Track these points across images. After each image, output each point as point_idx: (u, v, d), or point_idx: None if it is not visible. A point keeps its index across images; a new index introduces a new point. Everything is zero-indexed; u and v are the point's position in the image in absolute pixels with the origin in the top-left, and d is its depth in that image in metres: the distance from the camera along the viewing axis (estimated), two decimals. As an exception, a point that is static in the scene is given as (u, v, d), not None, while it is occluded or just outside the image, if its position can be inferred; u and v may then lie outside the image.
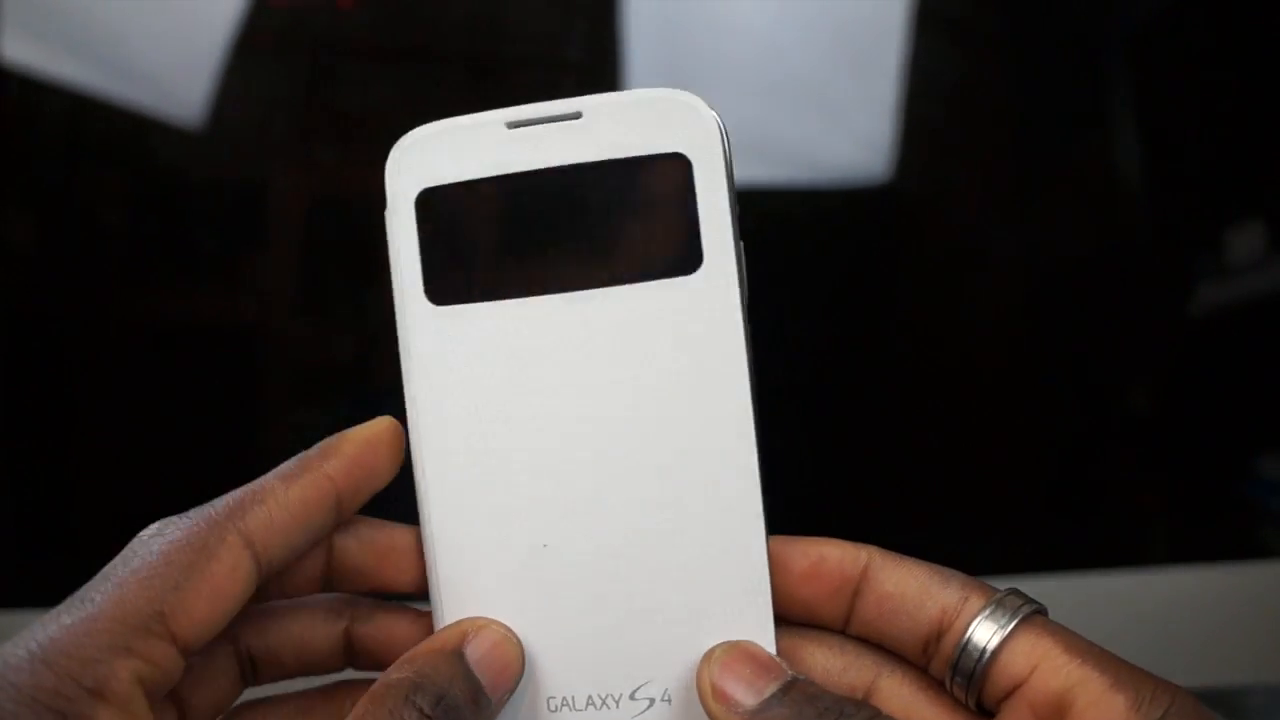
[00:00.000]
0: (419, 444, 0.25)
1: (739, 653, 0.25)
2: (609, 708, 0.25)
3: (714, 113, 0.24)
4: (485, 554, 0.25)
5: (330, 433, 0.26)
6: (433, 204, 0.25)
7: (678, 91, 0.24)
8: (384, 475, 0.25)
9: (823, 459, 0.50)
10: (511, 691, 0.24)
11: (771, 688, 0.24)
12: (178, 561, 0.22)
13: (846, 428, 0.53)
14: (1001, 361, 0.56)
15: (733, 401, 0.24)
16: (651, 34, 0.53)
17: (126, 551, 0.23)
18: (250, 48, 0.51)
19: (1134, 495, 0.55)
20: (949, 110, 0.55)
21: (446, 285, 0.25)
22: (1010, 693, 0.24)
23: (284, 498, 0.24)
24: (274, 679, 0.27)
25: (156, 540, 0.23)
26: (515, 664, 0.24)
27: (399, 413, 0.25)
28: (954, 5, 0.55)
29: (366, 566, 0.26)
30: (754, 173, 0.53)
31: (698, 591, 0.25)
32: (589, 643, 0.25)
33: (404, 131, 0.26)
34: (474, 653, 0.24)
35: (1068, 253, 0.56)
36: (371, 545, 0.26)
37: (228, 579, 0.23)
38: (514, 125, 0.25)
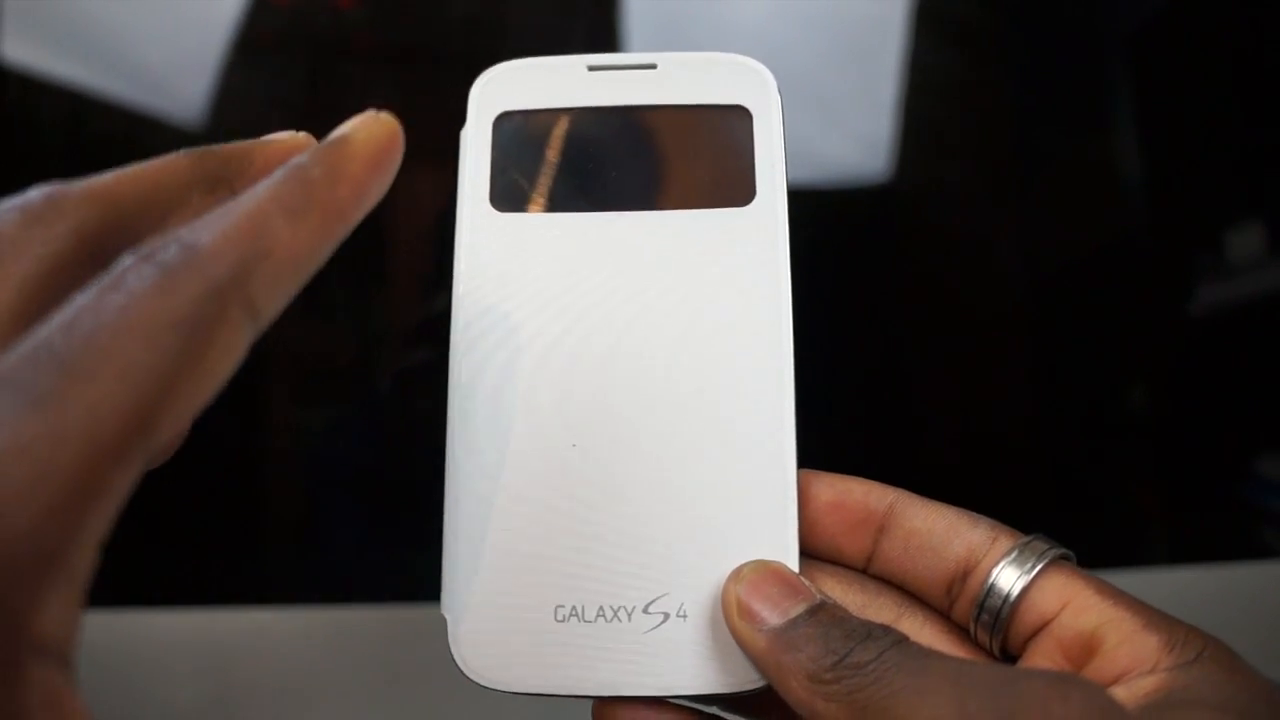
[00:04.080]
0: (459, 337, 0.25)
1: (768, 572, 0.24)
2: (619, 620, 0.24)
3: (772, 77, 0.27)
4: (510, 447, 0.25)
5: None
6: (510, 125, 0.26)
7: (743, 57, 0.27)
8: (385, 190, 0.21)
9: (822, 459, 0.50)
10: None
11: (799, 608, 0.23)
12: (167, 346, 0.16)
13: (846, 428, 0.53)
14: (1001, 362, 0.56)
15: (775, 326, 0.26)
16: (651, 34, 0.53)
17: (86, 300, 0.16)
18: (250, 47, 0.51)
19: (1134, 495, 0.55)
20: (949, 110, 0.55)
21: (512, 196, 0.26)
22: (1037, 631, 0.23)
23: (293, 248, 0.18)
24: None
25: (119, 296, 0.16)
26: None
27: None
28: (954, 4, 0.55)
29: None
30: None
31: (724, 510, 0.25)
32: (605, 551, 0.24)
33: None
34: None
35: (1068, 253, 0.56)
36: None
37: (225, 368, 0.17)
38: (594, 69, 0.27)
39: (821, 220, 0.55)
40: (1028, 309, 0.56)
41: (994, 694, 0.19)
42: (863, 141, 0.54)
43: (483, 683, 0.24)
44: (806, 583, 0.24)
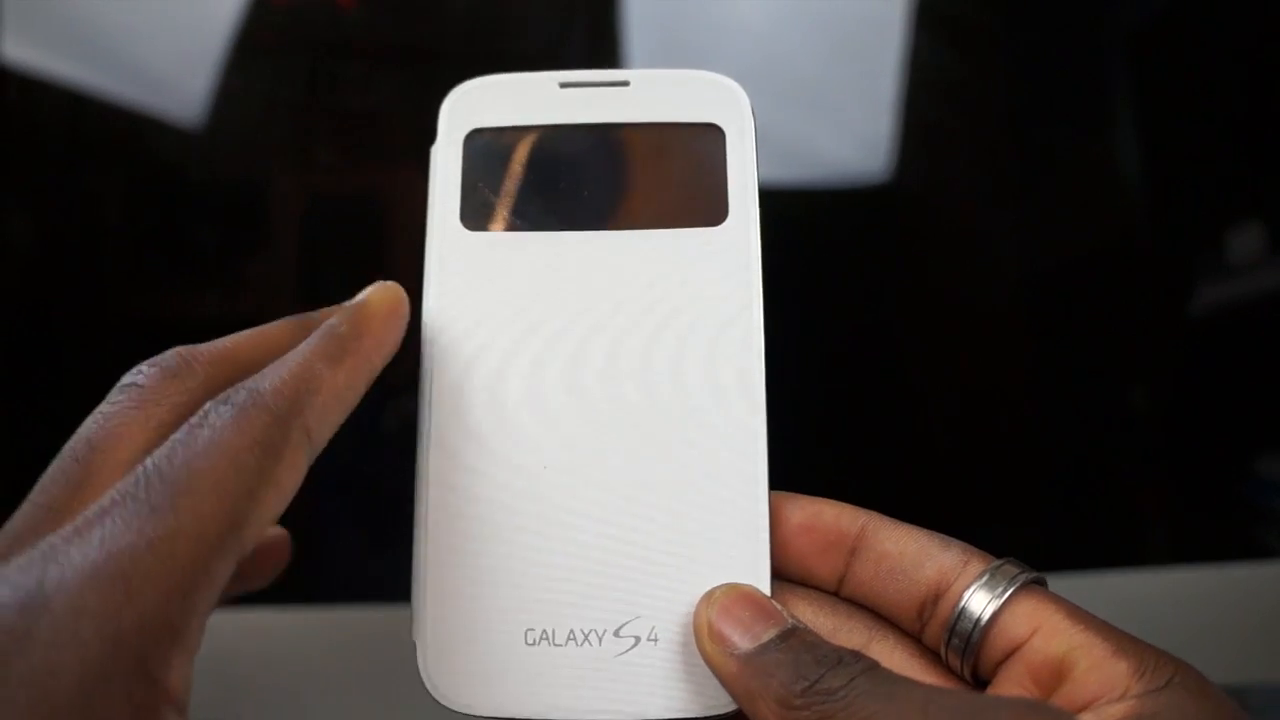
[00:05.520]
0: (429, 357, 0.25)
1: (740, 595, 0.24)
2: (590, 644, 0.24)
3: (745, 94, 0.27)
4: (481, 468, 0.24)
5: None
6: (481, 142, 0.26)
7: (716, 74, 0.27)
8: (397, 346, 0.25)
9: (820, 459, 0.50)
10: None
11: (770, 633, 0.23)
12: (247, 465, 0.20)
13: (845, 428, 0.53)
14: (1001, 362, 0.56)
15: (746, 346, 0.25)
16: (652, 34, 0.53)
17: (181, 435, 0.20)
18: (250, 47, 0.51)
19: (1134, 495, 0.55)
20: (949, 109, 0.55)
21: (483, 214, 0.26)
22: (1008, 655, 0.24)
23: (335, 385, 0.23)
24: None
25: (206, 430, 0.20)
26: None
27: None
28: (954, 4, 0.55)
29: None
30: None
31: (696, 533, 0.25)
32: (575, 575, 0.24)
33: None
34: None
35: (1067, 253, 0.56)
36: None
37: (293, 482, 0.21)
38: (566, 85, 0.27)
39: (821, 220, 0.55)
40: (1027, 309, 0.56)
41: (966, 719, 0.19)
42: (863, 141, 0.54)
43: (452, 706, 0.23)
44: (778, 606, 0.24)
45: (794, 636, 0.23)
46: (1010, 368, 0.55)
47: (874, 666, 0.22)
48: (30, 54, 0.50)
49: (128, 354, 0.54)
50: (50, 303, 0.52)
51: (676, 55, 0.54)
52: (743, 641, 0.23)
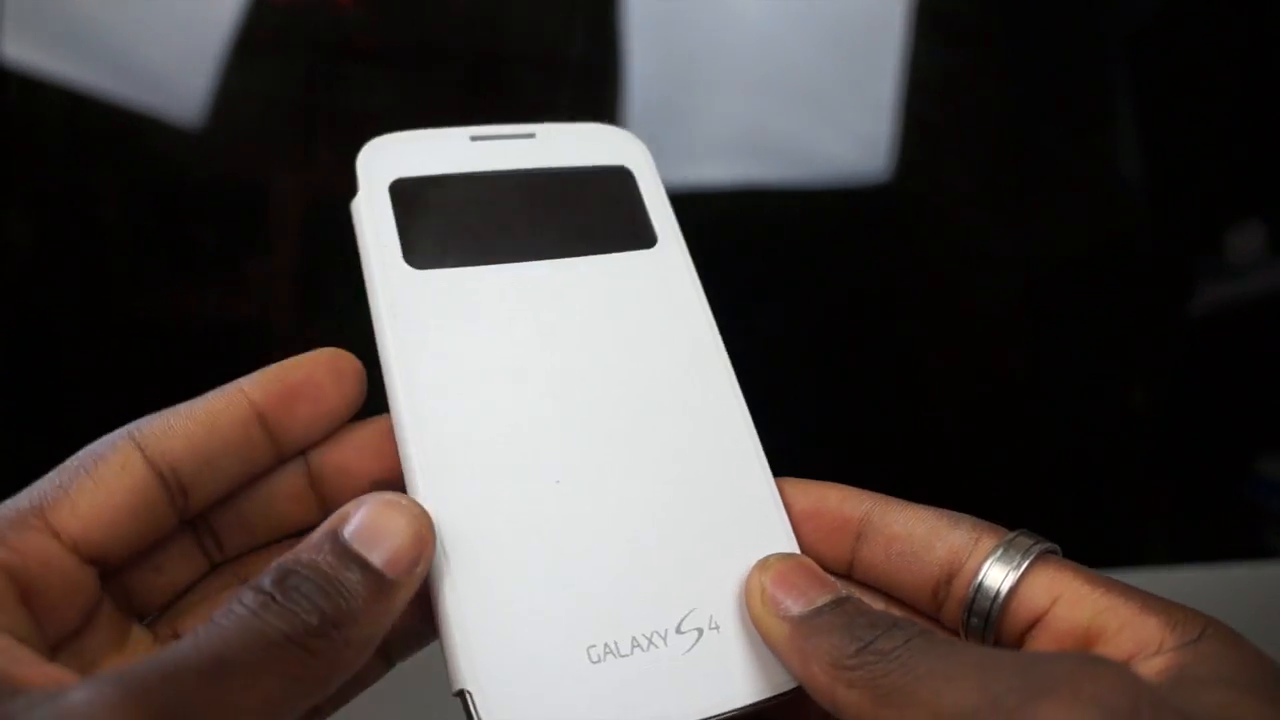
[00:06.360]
0: (402, 399, 0.24)
1: (795, 562, 0.24)
2: (657, 646, 0.23)
3: (642, 143, 0.29)
4: (487, 498, 0.23)
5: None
6: (407, 189, 0.26)
7: (614, 127, 0.29)
8: (327, 401, 0.24)
9: (819, 459, 0.50)
10: (420, 560, 0.21)
11: (824, 598, 0.23)
12: (67, 467, 0.22)
13: (843, 429, 0.53)
14: (1001, 363, 0.56)
15: (705, 344, 0.26)
16: (651, 34, 0.53)
17: None
18: (250, 47, 0.51)
19: (1134, 495, 0.55)
20: (949, 110, 0.55)
21: (426, 253, 0.26)
22: (1030, 628, 0.23)
23: (186, 407, 0.24)
24: (246, 548, 0.26)
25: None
26: (403, 529, 0.21)
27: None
28: (954, 4, 0.55)
29: (347, 462, 0.25)
30: (754, 172, 0.53)
31: (722, 522, 0.24)
32: (618, 584, 0.23)
33: (407, 128, 0.27)
34: (350, 525, 0.21)
35: (1068, 253, 0.56)
36: (350, 439, 0.25)
37: (115, 475, 0.22)
38: (476, 139, 0.28)
39: (821, 220, 0.55)
40: (1028, 309, 0.56)
41: (1022, 677, 0.19)
42: (863, 141, 0.54)
43: None
44: (831, 577, 0.24)
45: (848, 603, 0.22)
46: (1010, 368, 0.55)
47: (929, 631, 0.21)
48: (30, 54, 0.50)
49: (128, 354, 0.54)
50: (50, 303, 0.52)
51: (676, 56, 0.54)
52: (796, 605, 0.23)
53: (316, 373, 0.25)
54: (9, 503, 0.22)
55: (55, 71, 0.50)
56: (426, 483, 0.23)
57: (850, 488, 0.26)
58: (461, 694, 0.22)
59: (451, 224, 0.26)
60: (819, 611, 0.22)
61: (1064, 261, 0.55)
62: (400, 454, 0.24)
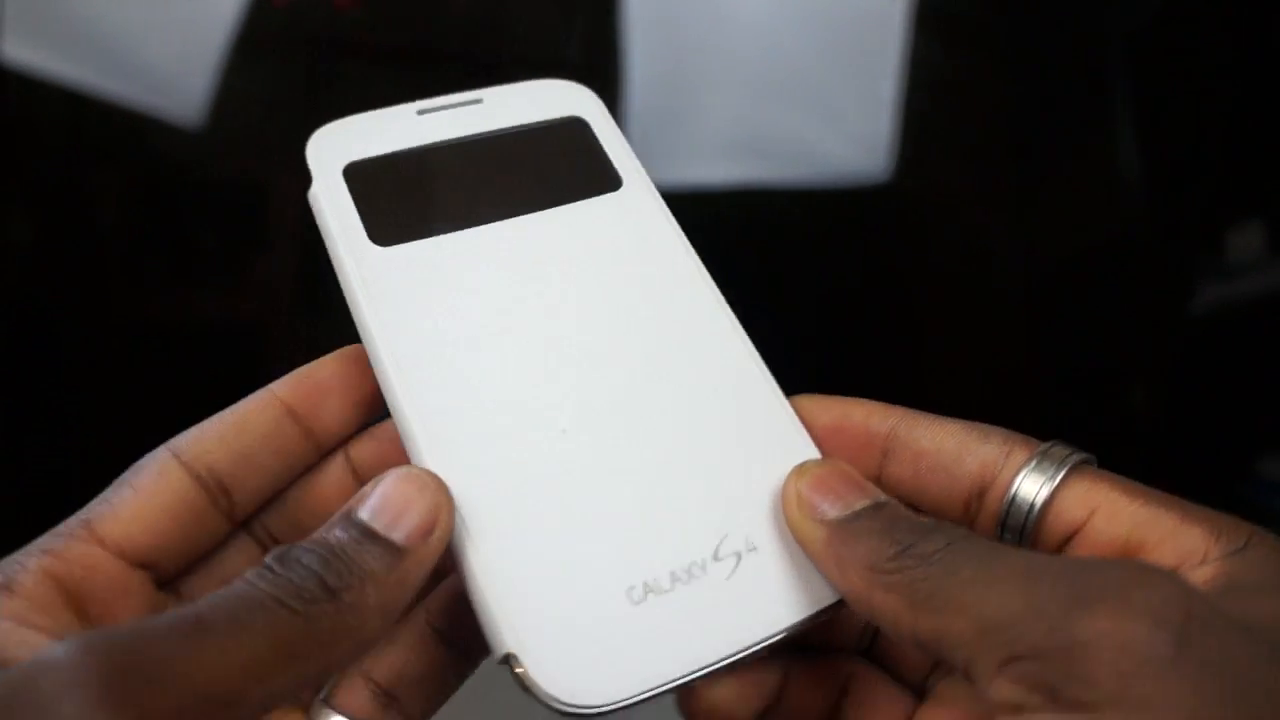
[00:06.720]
0: (392, 381, 0.24)
1: (832, 467, 0.23)
2: (696, 577, 0.22)
3: (592, 92, 0.29)
4: (496, 456, 0.23)
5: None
6: (362, 170, 0.26)
7: (562, 80, 0.29)
8: (356, 390, 0.25)
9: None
10: (435, 526, 0.21)
11: (862, 502, 0.22)
12: (112, 486, 0.23)
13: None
14: (1001, 362, 0.56)
15: (687, 273, 0.26)
16: (651, 34, 0.53)
17: None
18: (250, 47, 0.51)
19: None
20: (949, 109, 0.55)
21: (392, 229, 0.25)
22: (1066, 542, 0.22)
23: (218, 415, 0.24)
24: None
25: None
26: (414, 496, 0.21)
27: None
28: (954, 3, 0.55)
29: (386, 455, 0.25)
30: (754, 172, 0.53)
31: (742, 442, 0.24)
32: (645, 520, 0.23)
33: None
34: (365, 501, 0.21)
35: (1068, 253, 0.56)
36: (387, 431, 0.25)
37: (153, 481, 0.23)
38: (423, 112, 0.27)
39: (822, 220, 0.55)
40: (1028, 309, 0.56)
41: (1067, 585, 0.18)
42: (862, 141, 0.54)
43: (593, 707, 0.21)
44: (869, 482, 0.23)
45: (887, 507, 0.22)
46: (1010, 367, 0.55)
47: (971, 535, 0.20)
48: (30, 54, 0.50)
49: (128, 354, 0.54)
50: (50, 301, 0.52)
51: (676, 56, 0.54)
52: (833, 509, 0.22)
53: (343, 365, 0.25)
54: (60, 525, 0.22)
55: (55, 71, 0.50)
56: (432, 454, 0.23)
57: (874, 402, 0.25)
58: (507, 659, 0.21)
59: (412, 198, 0.26)
60: (857, 516, 0.22)
61: (1064, 261, 0.55)
62: (401, 432, 0.23)
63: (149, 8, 0.51)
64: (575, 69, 0.53)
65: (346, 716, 0.24)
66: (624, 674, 0.21)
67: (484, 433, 0.23)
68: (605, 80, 0.53)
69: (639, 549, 0.22)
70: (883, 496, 0.22)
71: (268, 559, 0.20)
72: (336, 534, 0.20)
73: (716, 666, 0.21)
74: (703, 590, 0.22)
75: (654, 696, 0.21)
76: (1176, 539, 0.21)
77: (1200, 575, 0.20)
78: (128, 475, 0.23)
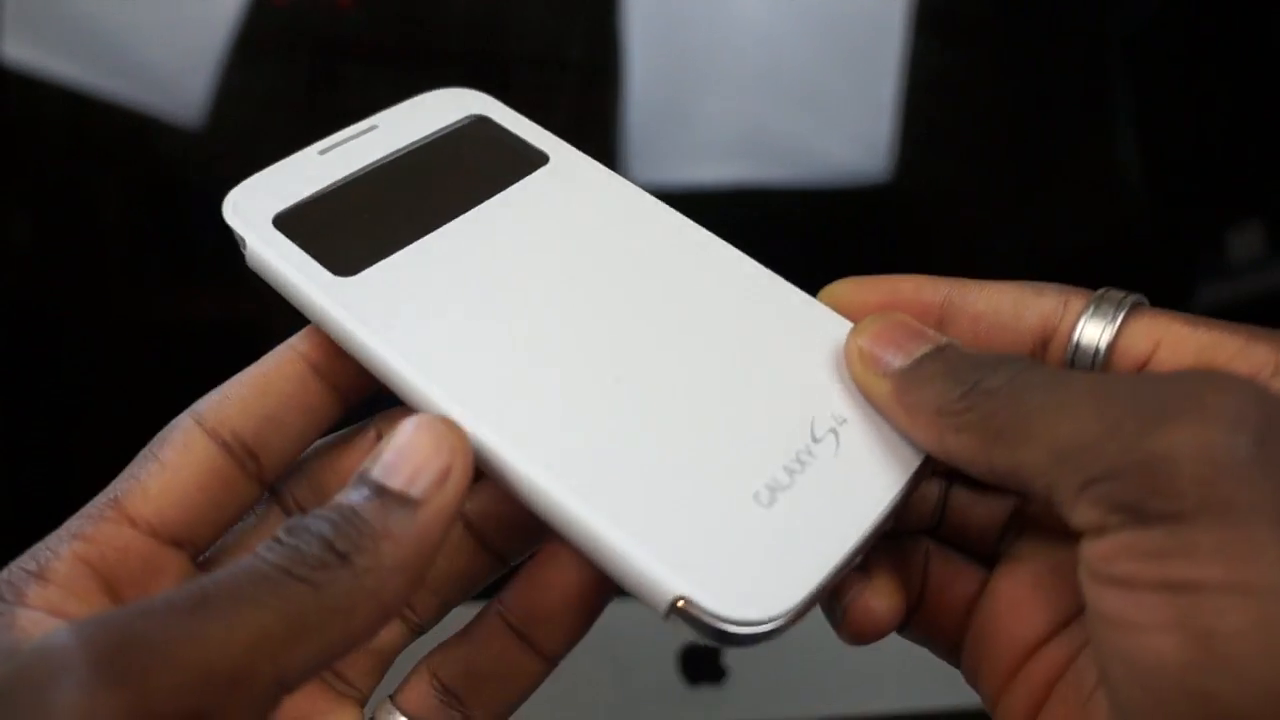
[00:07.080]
0: (422, 383, 0.23)
1: (889, 319, 0.23)
2: (807, 462, 0.22)
3: (481, 92, 0.30)
4: (564, 427, 0.22)
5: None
6: (292, 217, 0.26)
7: (450, 88, 0.29)
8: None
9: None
10: (450, 474, 0.20)
11: (924, 349, 0.22)
12: (136, 459, 0.22)
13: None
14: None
15: (657, 211, 0.27)
16: (651, 34, 0.53)
17: None
18: (250, 47, 0.51)
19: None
20: (949, 110, 0.55)
21: (348, 260, 0.25)
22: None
23: (238, 376, 0.23)
24: None
25: None
26: (424, 444, 0.20)
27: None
28: (954, 3, 0.55)
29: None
30: (754, 172, 0.53)
31: (788, 343, 0.24)
32: (736, 432, 0.23)
33: None
34: (377, 459, 0.20)
35: (1068, 253, 0.56)
36: None
37: (179, 453, 0.22)
38: (325, 151, 0.27)
39: (821, 220, 0.55)
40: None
41: (1139, 399, 0.18)
42: (862, 141, 0.54)
43: (778, 620, 0.20)
44: (928, 329, 0.23)
45: (949, 349, 0.22)
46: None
47: (1036, 362, 0.20)
48: (30, 54, 0.50)
49: (127, 354, 0.54)
50: (50, 301, 0.52)
51: (676, 56, 0.54)
52: (896, 359, 0.22)
53: None
54: (88, 504, 0.22)
55: (55, 71, 0.50)
56: (516, 449, 0.22)
57: (922, 276, 0.25)
58: (674, 605, 0.20)
59: (354, 227, 0.26)
60: (919, 363, 0.22)
61: (1064, 261, 0.55)
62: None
63: (149, 8, 0.51)
64: (576, 68, 0.53)
65: (408, 716, 0.23)
66: (789, 575, 0.21)
67: (543, 404, 0.23)
68: (605, 80, 0.53)
69: (744, 459, 0.22)
70: (944, 339, 0.22)
71: (279, 530, 0.19)
72: (349, 496, 0.19)
73: (864, 540, 0.21)
74: (820, 472, 0.22)
75: (823, 587, 0.21)
76: (1245, 355, 0.21)
77: (1276, 384, 0.20)
78: (153, 447, 0.22)
